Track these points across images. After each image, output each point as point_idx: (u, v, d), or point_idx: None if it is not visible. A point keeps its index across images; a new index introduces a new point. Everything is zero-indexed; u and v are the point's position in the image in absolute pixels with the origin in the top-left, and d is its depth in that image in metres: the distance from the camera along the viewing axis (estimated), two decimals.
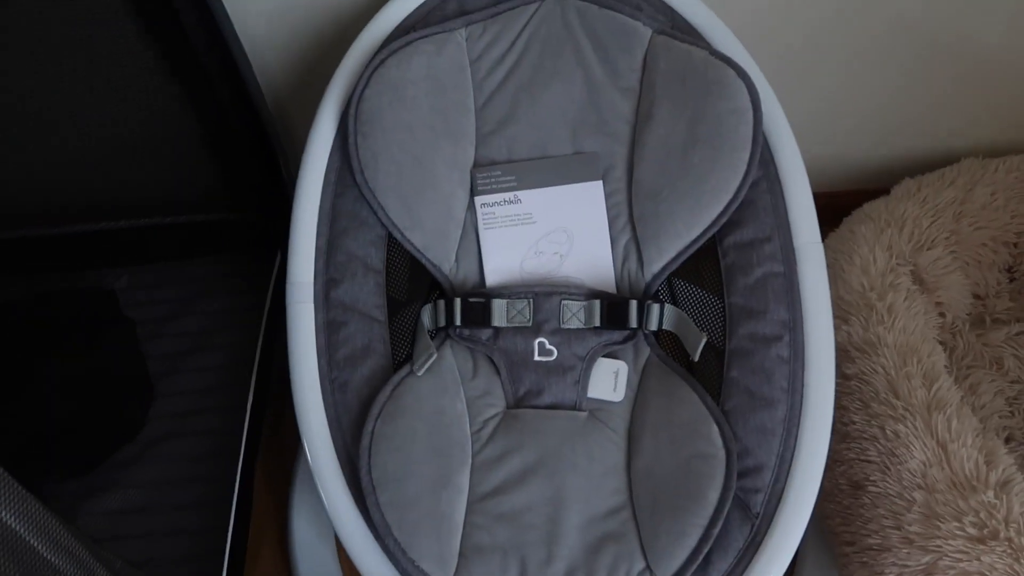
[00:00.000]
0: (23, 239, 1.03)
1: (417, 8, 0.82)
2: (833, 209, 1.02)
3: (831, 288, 0.88)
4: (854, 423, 0.84)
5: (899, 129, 1.10)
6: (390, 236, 0.79)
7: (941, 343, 0.94)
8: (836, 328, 0.88)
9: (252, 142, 0.97)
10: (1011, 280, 1.06)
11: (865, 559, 0.82)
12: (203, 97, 0.89)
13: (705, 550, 0.68)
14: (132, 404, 0.95)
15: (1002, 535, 0.72)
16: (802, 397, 0.72)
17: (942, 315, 1.00)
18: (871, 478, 0.81)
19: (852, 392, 0.85)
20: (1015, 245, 1.05)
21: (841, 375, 0.87)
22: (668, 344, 0.79)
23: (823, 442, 0.71)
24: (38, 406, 0.93)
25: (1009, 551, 0.71)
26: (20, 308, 0.98)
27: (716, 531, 0.68)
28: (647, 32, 0.79)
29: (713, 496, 0.69)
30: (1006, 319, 1.03)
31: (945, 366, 0.87)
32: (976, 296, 1.05)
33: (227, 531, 0.86)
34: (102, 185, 1.00)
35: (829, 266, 0.93)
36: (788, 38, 0.96)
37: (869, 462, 0.82)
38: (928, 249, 0.98)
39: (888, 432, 0.80)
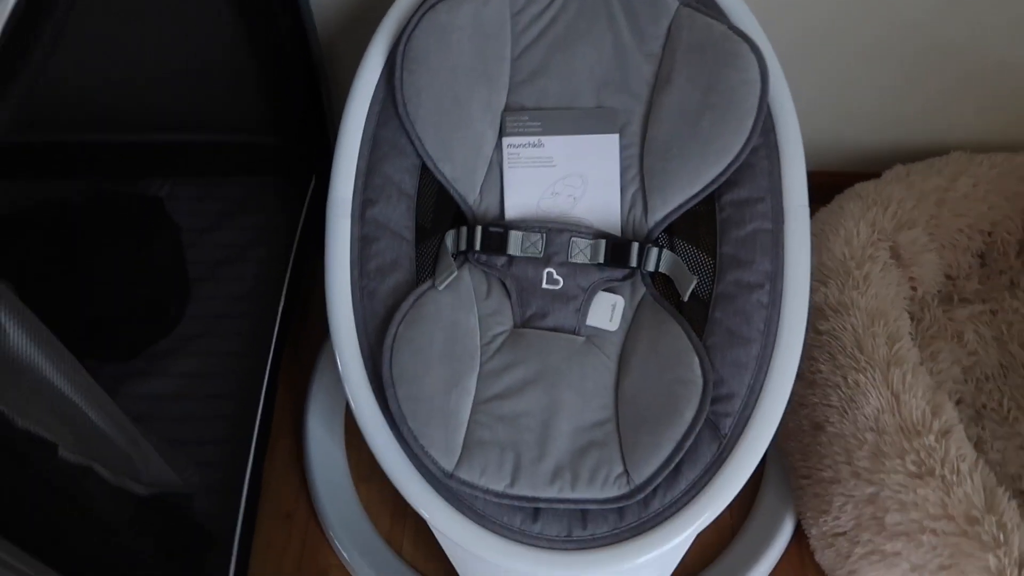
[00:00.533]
0: (78, 143, 1.12)
1: None
2: (827, 188, 1.11)
3: (815, 255, 0.98)
4: (821, 372, 0.94)
5: (896, 120, 1.19)
6: (423, 166, 0.88)
7: (909, 314, 1.04)
8: (815, 290, 0.97)
9: (301, 74, 1.05)
10: (982, 265, 1.16)
11: (818, 490, 0.93)
12: (262, 29, 0.97)
13: (676, 459, 0.78)
14: (171, 301, 1.04)
15: (937, 473, 0.82)
16: (775, 339, 0.82)
17: (914, 289, 1.09)
18: (830, 420, 0.91)
19: (822, 346, 0.95)
20: (989, 234, 1.14)
21: (815, 330, 0.97)
22: (661, 287, 0.89)
23: (788, 379, 0.81)
24: (86, 294, 1.03)
25: (942, 486, 0.81)
26: (76, 207, 1.07)
27: (688, 444, 0.78)
28: (674, 4, 0.88)
29: (688, 415, 0.79)
30: (972, 299, 1.13)
31: (909, 332, 0.96)
32: (948, 276, 1.14)
33: (255, 420, 0.96)
34: (158, 100, 1.08)
35: (816, 235, 1.03)
36: (802, 24, 1.04)
37: (830, 406, 0.92)
38: (908, 229, 1.07)
39: (850, 381, 0.90)
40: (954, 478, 0.81)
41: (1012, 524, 0.79)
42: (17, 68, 0.54)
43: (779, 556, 0.99)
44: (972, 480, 0.81)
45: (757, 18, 0.88)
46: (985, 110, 1.16)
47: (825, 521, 0.92)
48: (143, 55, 1.01)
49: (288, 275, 1.08)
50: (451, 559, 0.83)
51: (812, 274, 0.85)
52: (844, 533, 0.90)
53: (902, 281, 1.06)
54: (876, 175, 1.14)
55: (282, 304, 1.05)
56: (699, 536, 0.81)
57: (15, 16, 0.52)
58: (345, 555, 0.98)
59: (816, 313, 0.98)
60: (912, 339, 0.95)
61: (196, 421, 0.97)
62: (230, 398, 0.98)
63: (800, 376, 0.83)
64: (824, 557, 0.95)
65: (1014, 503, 0.81)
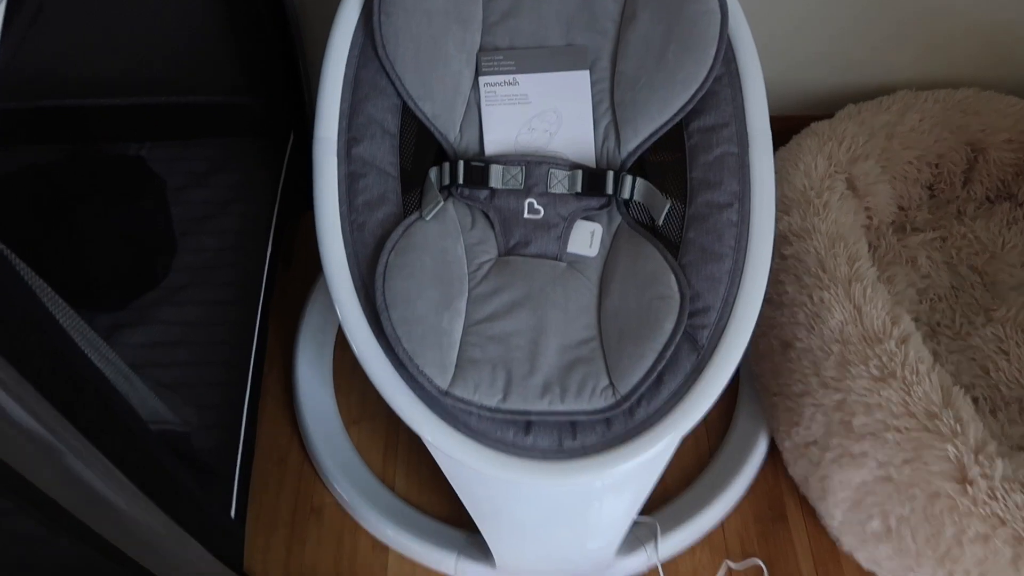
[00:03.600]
0: (57, 108, 1.13)
1: None
2: (785, 132, 1.17)
3: (777, 187, 1.03)
4: (787, 293, 0.99)
5: (846, 63, 1.25)
6: (404, 106, 0.92)
7: (867, 242, 1.10)
8: (778, 219, 1.03)
9: (276, 32, 1.08)
10: (931, 196, 1.23)
11: (789, 404, 0.99)
12: None
13: (659, 369, 0.82)
14: (157, 254, 1.06)
15: (898, 375, 0.88)
16: (745, 254, 0.87)
17: (869, 218, 1.16)
18: (798, 336, 0.97)
19: (788, 269, 1.01)
20: (936, 166, 1.21)
21: (779, 255, 1.02)
22: (636, 216, 0.93)
23: (759, 291, 0.86)
24: (75, 248, 1.04)
25: (903, 387, 0.87)
26: (60, 168, 1.08)
27: (669, 354, 0.82)
28: None
29: (668, 326, 0.83)
30: (923, 228, 1.20)
31: (867, 253, 1.02)
32: (900, 207, 1.21)
33: (249, 365, 0.98)
34: (133, 63, 1.09)
35: (777, 171, 1.08)
36: None
37: (798, 324, 0.97)
38: (862, 161, 1.13)
39: (815, 299, 0.96)
40: (914, 378, 0.87)
41: (968, 417, 0.85)
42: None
43: (755, 472, 1.04)
44: (930, 380, 0.87)
45: None
46: (927, 50, 1.22)
47: (797, 432, 0.98)
48: (120, 21, 1.03)
49: (272, 229, 1.10)
50: (448, 477, 0.87)
51: (776, 200, 0.90)
52: (815, 442, 0.96)
53: (859, 210, 1.12)
54: (830, 116, 1.21)
55: (268, 256, 1.08)
56: (679, 458, 0.86)
57: None
58: (340, 491, 1.01)
59: (780, 240, 1.03)
60: (869, 258, 1.01)
61: (191, 366, 0.99)
62: (223, 344, 1.00)
63: (768, 300, 0.88)
64: (797, 468, 1.01)
65: (968, 398, 0.87)
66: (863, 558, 0.96)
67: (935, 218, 1.21)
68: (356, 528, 1.00)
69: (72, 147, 1.10)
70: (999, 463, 0.82)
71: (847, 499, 0.93)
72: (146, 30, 1.05)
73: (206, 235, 1.10)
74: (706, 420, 1.09)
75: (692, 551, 0.99)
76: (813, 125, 1.18)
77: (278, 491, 1.03)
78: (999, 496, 0.81)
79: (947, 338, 1.09)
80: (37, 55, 1.06)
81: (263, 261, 1.07)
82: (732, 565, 0.98)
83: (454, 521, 1.00)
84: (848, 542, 0.97)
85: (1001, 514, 0.80)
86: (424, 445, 1.01)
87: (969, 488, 0.81)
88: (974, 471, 0.82)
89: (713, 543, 0.99)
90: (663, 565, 0.97)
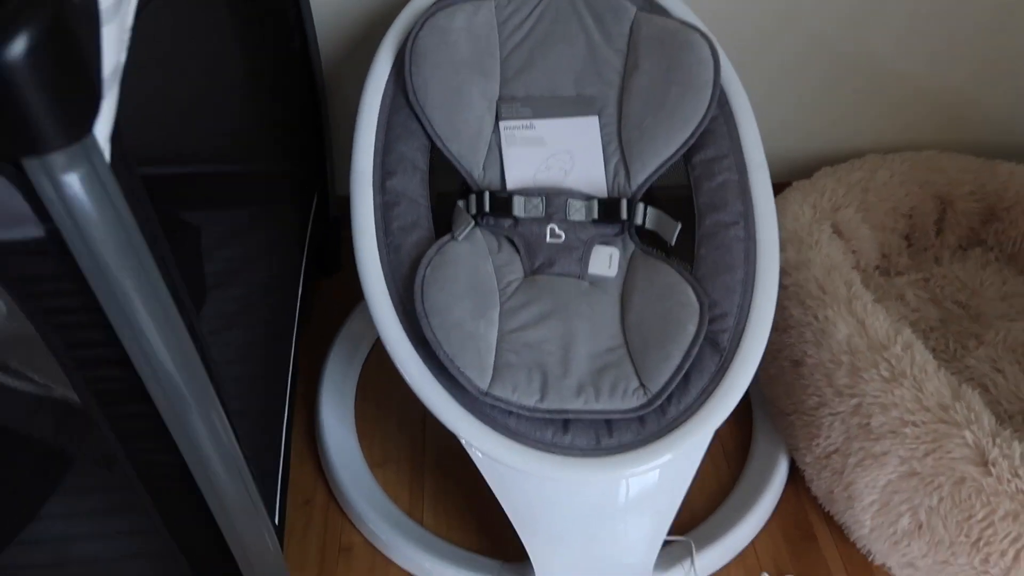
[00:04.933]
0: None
1: None
2: None
3: None
4: (792, 316, 1.05)
5: (819, 128, 1.39)
6: (432, 147, 1.00)
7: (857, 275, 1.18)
8: None
9: (308, 105, 1.18)
10: (909, 245, 1.33)
11: (806, 419, 1.02)
12: (280, 66, 1.10)
13: (686, 367, 0.87)
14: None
15: (908, 374, 0.93)
16: (755, 265, 0.94)
17: (856, 261, 1.24)
18: (808, 353, 1.02)
19: (790, 296, 1.07)
20: (910, 216, 1.31)
21: (781, 285, 1.09)
22: (648, 243, 1.01)
23: (772, 297, 0.92)
24: None
25: (914, 385, 0.92)
26: None
27: (694, 352, 0.87)
28: (632, 8, 1.05)
29: (691, 328, 0.89)
30: (905, 271, 1.29)
31: (860, 283, 1.10)
32: (883, 254, 1.30)
33: (284, 408, 1.00)
34: (178, 132, 1.18)
35: None
36: (729, 41, 1.24)
37: (806, 342, 1.03)
38: (844, 209, 1.24)
39: (820, 317, 1.02)
40: (923, 376, 0.92)
41: (979, 407, 0.90)
42: None
43: (780, 490, 1.06)
44: (938, 378, 0.92)
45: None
46: (885, 116, 1.37)
47: (818, 444, 1.01)
48: (165, 93, 1.12)
49: (301, 285, 1.15)
50: (489, 483, 0.87)
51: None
52: (837, 450, 0.99)
53: (846, 251, 1.21)
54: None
55: (299, 299, 1.12)
56: (703, 485, 0.89)
57: None
58: (372, 527, 1.00)
59: (780, 272, 1.10)
60: (864, 288, 1.09)
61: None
62: (257, 393, 1.02)
63: (774, 326, 0.93)
64: (820, 483, 1.03)
65: (977, 392, 0.92)
66: (896, 564, 0.96)
67: (915, 263, 1.30)
68: (387, 564, 0.98)
69: None
70: (1016, 444, 0.86)
71: (875, 502, 0.95)
72: (192, 101, 1.14)
73: (234, 287, 1.14)
74: (725, 449, 1.12)
75: (727, 571, 0.98)
76: (794, 184, 1.29)
77: (305, 532, 1.01)
78: (1021, 474, 0.84)
79: (944, 361, 1.15)
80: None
81: (293, 312, 1.11)
82: None
83: (487, 553, 0.99)
84: (880, 550, 0.97)
85: None
86: (452, 482, 1.03)
87: (992, 469, 0.85)
88: (994, 452, 0.85)
89: (747, 563, 0.99)
90: None
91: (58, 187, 0.42)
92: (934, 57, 1.30)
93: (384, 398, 1.16)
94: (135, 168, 0.48)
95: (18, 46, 0.37)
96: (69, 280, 0.47)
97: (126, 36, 0.49)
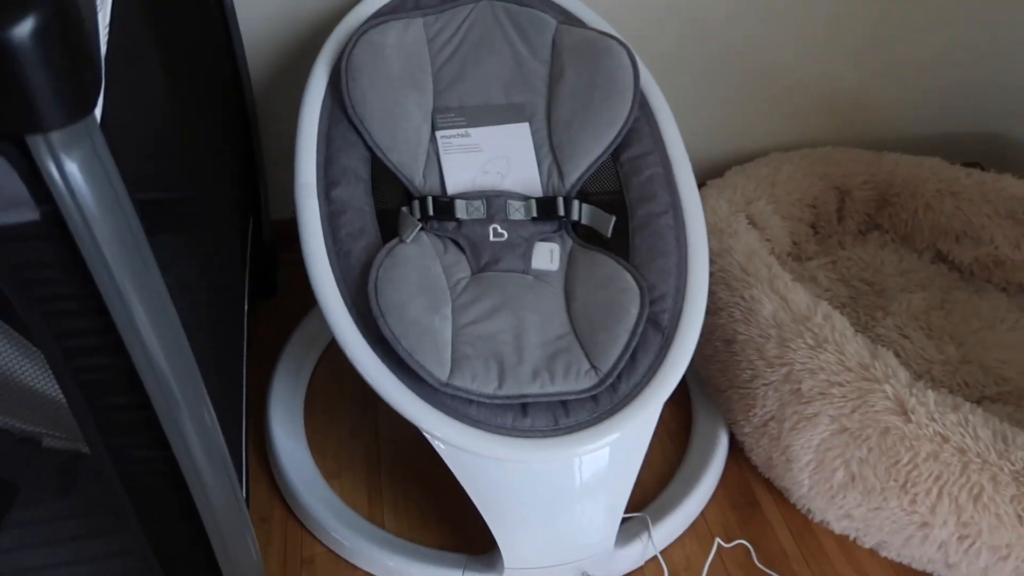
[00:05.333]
0: None
1: (383, 6, 1.11)
2: None
3: None
4: (721, 298, 1.13)
5: (728, 132, 1.49)
6: (373, 157, 1.03)
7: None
8: None
9: (242, 129, 1.19)
10: (815, 233, 1.44)
11: (742, 392, 1.09)
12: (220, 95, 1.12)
13: (632, 346, 0.92)
14: None
15: (830, 340, 1.01)
16: (686, 249, 1.01)
17: (772, 249, 1.34)
18: (738, 331, 1.09)
19: (717, 281, 1.15)
20: (814, 207, 1.42)
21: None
22: (585, 238, 1.06)
23: (704, 278, 0.99)
24: None
25: (836, 349, 1.00)
26: None
27: (639, 332, 0.93)
28: (553, 22, 1.12)
29: (634, 310, 0.94)
30: (815, 256, 1.39)
31: (778, 265, 1.18)
32: (793, 242, 1.40)
33: (241, 426, 1.00)
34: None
35: None
36: (651, 51, 1.33)
37: (735, 321, 1.10)
38: (756, 202, 1.33)
39: (746, 296, 1.10)
40: (844, 341, 1.01)
41: (895, 364, 0.99)
42: None
43: (723, 461, 1.12)
44: (857, 342, 1.01)
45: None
46: (788, 119, 1.48)
47: (755, 414, 1.08)
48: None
49: (247, 294, 1.15)
50: (454, 472, 0.89)
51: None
52: (772, 417, 1.06)
53: (761, 240, 1.30)
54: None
55: (245, 325, 1.12)
56: (651, 465, 0.93)
57: None
58: (334, 535, 1.00)
59: None
60: (782, 269, 1.17)
61: None
62: (221, 400, 1.01)
63: (706, 311, 1.00)
64: (759, 451, 1.10)
65: (891, 352, 1.01)
66: (834, 517, 1.03)
67: (823, 248, 1.41)
68: (352, 571, 0.99)
69: None
70: (930, 393, 0.95)
71: (811, 461, 1.02)
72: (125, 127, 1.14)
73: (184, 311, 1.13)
74: (668, 430, 1.18)
75: (682, 542, 1.03)
76: (709, 182, 1.38)
77: (266, 549, 1.01)
78: (936, 419, 0.93)
79: (858, 332, 1.25)
80: None
81: (241, 333, 1.11)
82: (723, 544, 1.03)
83: (452, 549, 1.00)
84: (818, 507, 1.04)
85: (943, 432, 0.92)
86: (410, 484, 1.05)
87: (912, 416, 0.93)
88: (912, 402, 0.94)
89: (699, 533, 1.04)
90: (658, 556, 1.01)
91: (60, 165, 0.43)
92: (829, 67, 1.43)
93: (334, 409, 1.17)
94: (121, 155, 0.50)
95: (26, 26, 0.39)
96: (62, 266, 0.48)
97: (104, 32, 0.51)
